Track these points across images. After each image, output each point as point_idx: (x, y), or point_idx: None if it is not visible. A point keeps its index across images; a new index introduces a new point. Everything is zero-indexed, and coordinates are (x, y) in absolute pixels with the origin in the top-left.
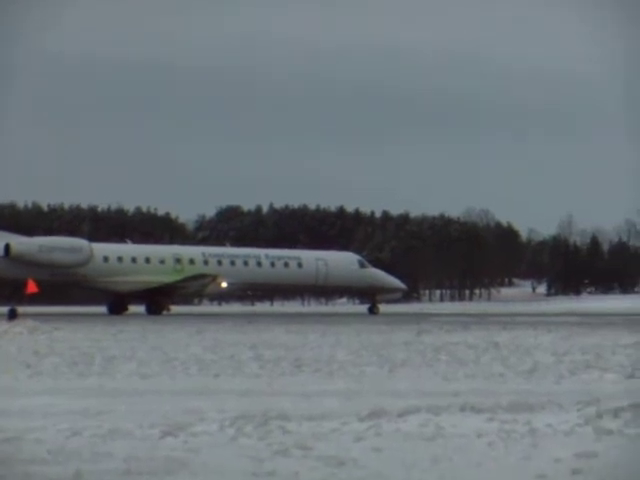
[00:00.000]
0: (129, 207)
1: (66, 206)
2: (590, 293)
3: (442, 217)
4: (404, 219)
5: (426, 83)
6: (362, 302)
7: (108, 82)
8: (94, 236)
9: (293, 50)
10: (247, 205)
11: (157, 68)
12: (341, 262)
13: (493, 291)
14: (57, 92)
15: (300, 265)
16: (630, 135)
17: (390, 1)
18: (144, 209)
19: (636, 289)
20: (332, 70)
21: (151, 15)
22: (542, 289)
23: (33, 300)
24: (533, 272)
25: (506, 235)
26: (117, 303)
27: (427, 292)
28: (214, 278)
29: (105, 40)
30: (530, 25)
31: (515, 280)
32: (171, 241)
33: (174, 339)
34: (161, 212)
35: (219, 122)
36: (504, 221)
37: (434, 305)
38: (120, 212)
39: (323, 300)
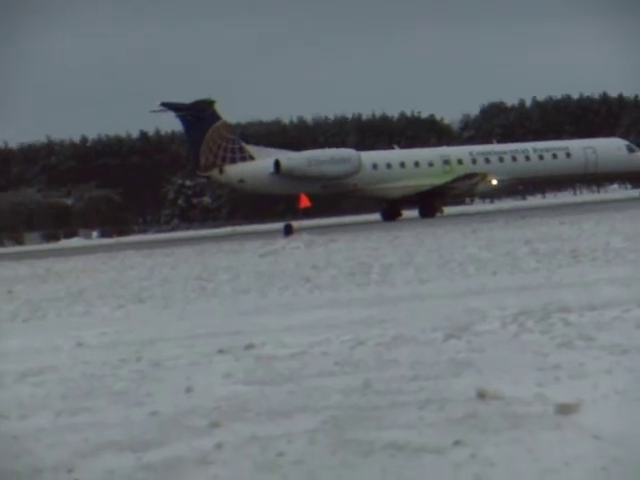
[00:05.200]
0: (393, 113)
1: (331, 118)
2: None
3: None
4: None
5: None
6: (634, 187)
7: None
8: (361, 145)
9: None
10: (510, 100)
11: None
12: (609, 149)
13: None
14: (317, 11)
15: (569, 155)
16: None
17: None
18: (408, 113)
19: None
20: None
21: None
22: None
23: (307, 214)
24: None
25: None
26: (390, 209)
27: None
28: (484, 176)
29: None
30: None
31: None
32: (438, 143)
33: (449, 241)
34: (425, 114)
35: (476, 21)
36: None
37: None
38: (385, 119)
39: (595, 188)
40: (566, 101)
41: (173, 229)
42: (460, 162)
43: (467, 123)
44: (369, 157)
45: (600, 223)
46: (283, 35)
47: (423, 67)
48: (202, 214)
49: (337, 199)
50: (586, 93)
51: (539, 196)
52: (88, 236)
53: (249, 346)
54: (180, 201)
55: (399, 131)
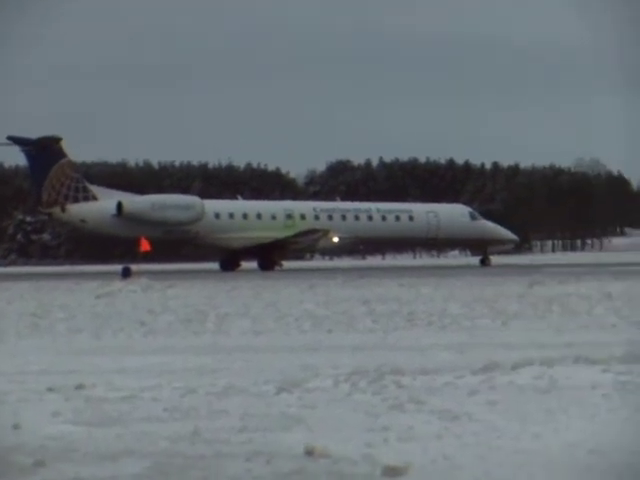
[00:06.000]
0: (239, 163)
1: (177, 164)
2: None
3: (552, 168)
4: (514, 170)
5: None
6: (474, 254)
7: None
8: (205, 193)
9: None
10: (357, 159)
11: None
12: (452, 214)
13: (605, 241)
14: (166, 59)
15: (411, 218)
16: None
17: None
18: (254, 165)
19: None
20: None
21: None
22: None
23: (146, 258)
24: None
25: (617, 184)
26: (229, 259)
27: (538, 243)
28: (326, 233)
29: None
30: None
31: (627, 229)
32: (282, 196)
33: (287, 295)
34: (271, 167)
35: (327, 78)
36: (615, 170)
37: (546, 256)
38: (231, 168)
39: (435, 253)
40: (413, 164)
41: (10, 264)
42: (303, 217)
43: (313, 179)
44: (212, 206)
45: (439, 288)
46: (134, 79)
47: (271, 120)
48: (41, 251)
49: (178, 245)
50: (433, 157)
51: (379, 257)
52: None
53: (80, 386)
54: (19, 236)
55: (244, 182)
